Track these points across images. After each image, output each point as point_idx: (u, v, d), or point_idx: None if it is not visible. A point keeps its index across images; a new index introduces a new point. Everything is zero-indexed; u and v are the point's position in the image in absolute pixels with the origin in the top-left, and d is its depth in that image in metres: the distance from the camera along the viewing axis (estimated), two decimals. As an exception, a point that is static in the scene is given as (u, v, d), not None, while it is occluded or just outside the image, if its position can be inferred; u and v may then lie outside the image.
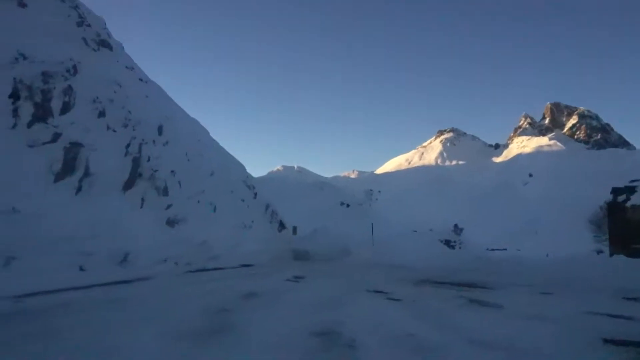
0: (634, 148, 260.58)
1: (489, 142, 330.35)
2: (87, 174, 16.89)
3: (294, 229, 30.02)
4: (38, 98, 17.70)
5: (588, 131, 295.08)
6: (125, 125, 21.15)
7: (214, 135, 33.84)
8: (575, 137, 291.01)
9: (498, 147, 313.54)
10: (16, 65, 18.19)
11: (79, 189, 16.27)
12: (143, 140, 21.36)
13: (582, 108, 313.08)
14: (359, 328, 5.84)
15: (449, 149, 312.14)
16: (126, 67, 28.59)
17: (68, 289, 9.10)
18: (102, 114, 20.26)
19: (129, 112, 22.00)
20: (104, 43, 27.99)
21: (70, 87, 19.36)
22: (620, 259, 16.80)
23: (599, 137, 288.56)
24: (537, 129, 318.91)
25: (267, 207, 29.80)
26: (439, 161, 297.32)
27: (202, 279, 12.03)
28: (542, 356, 4.62)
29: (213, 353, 4.66)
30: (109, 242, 13.78)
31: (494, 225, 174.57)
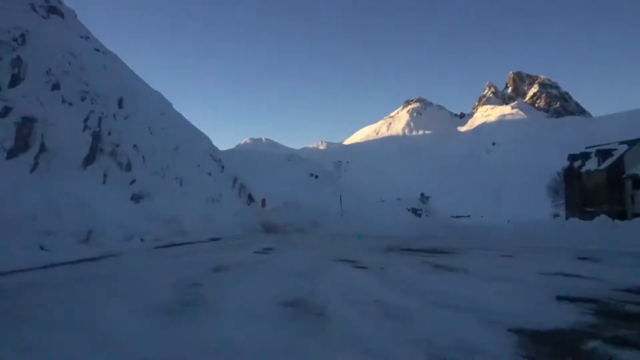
0: (590, 116, 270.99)
1: (455, 112, 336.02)
2: (43, 149, 16.15)
3: (263, 202, 29.97)
4: (-15, 70, 16.64)
5: (548, 100, 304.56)
6: (83, 99, 20.22)
7: (178, 108, 32.93)
8: (537, 105, 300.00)
9: (463, 117, 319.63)
10: (-42, 34, 16.99)
11: (35, 166, 15.59)
12: (102, 113, 20.52)
13: (542, 77, 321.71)
14: (329, 297, 5.95)
15: (416, 119, 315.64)
16: (80, 36, 27.09)
17: (31, 269, 8.83)
18: (56, 87, 19.25)
19: (86, 84, 21.00)
20: (54, 10, 26.33)
21: (19, 58, 18.24)
22: (575, 221, 17.68)
23: (558, 105, 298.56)
24: (501, 98, 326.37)
25: (235, 180, 29.51)
26: (406, 131, 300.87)
27: (171, 254, 11.91)
28: (502, 314, 4.85)
29: (185, 326, 4.65)
30: (70, 220, 13.35)
31: (460, 193, 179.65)
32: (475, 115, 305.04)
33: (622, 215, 42.98)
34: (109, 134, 19.87)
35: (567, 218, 43.67)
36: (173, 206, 19.50)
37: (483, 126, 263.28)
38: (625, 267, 8.21)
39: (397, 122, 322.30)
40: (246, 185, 30.66)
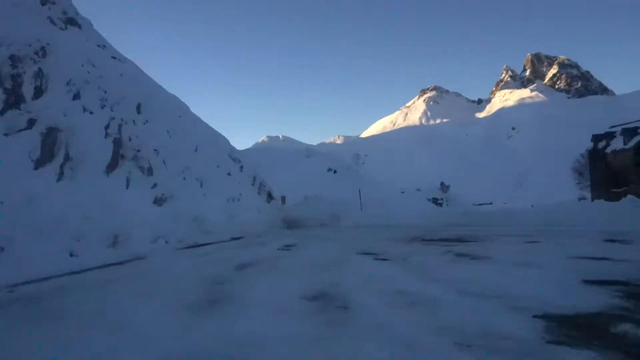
0: (614, 94, 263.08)
1: (472, 98, 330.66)
2: (67, 158, 16.58)
3: (283, 199, 30.17)
4: (8, 84, 17.13)
5: (568, 80, 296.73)
6: (103, 106, 20.65)
7: (195, 110, 33.29)
8: (556, 87, 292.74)
9: (481, 102, 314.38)
10: (-19, 51, 17.53)
11: (61, 174, 16.02)
12: (122, 120, 20.92)
13: (562, 57, 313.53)
14: (353, 289, 5.99)
15: (432, 107, 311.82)
16: (97, 45, 27.63)
17: (62, 275, 9.12)
18: (77, 96, 19.71)
19: (105, 92, 21.42)
20: (72, 21, 26.91)
21: (40, 70, 18.72)
22: (601, 203, 17.29)
23: (579, 85, 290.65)
24: (519, 81, 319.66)
25: (255, 178, 29.75)
26: (423, 120, 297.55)
27: (195, 254, 12.12)
28: (528, 300, 4.82)
29: (212, 321, 4.78)
30: (97, 225, 13.71)
31: (481, 180, 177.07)
32: (493, 100, 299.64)
33: (651, 195, 41.79)
34: (130, 139, 20.26)
35: (592, 200, 42.67)
36: (195, 207, 19.79)
37: (502, 111, 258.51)
38: (654, 247, 8.03)
39: (414, 111, 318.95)
40: (265, 183, 30.88)
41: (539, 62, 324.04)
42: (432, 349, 3.61)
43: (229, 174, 27.17)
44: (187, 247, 14.02)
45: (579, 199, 41.00)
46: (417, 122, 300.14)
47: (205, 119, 34.06)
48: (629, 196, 15.97)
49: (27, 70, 18.23)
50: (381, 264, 8.28)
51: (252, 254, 11.16)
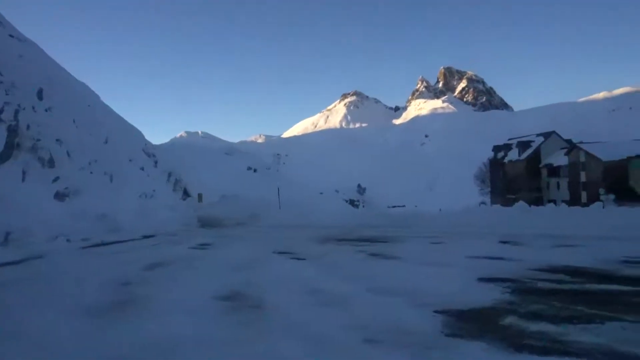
0: (512, 110, 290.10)
1: (390, 105, 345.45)
2: (-50, 145, 14.75)
3: (200, 196, 29.29)
4: None
5: (475, 94, 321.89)
6: (-4, 89, 18.62)
7: (107, 100, 31.15)
8: (465, 99, 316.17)
9: (398, 110, 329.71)
10: None
11: (-58, 163, 14.20)
12: (19, 105, 18.98)
13: (470, 72, 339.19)
14: (268, 289, 6.01)
15: (352, 112, 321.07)
16: (-8, 21, 24.84)
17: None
18: (-36, 76, 17.58)
19: (0, 74, 19.33)
20: (-39, -9, 23.92)
21: None
22: (498, 208, 18.99)
23: (484, 99, 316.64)
24: (433, 92, 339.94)
25: (170, 174, 28.55)
26: (343, 124, 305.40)
27: (101, 253, 11.37)
28: (430, 297, 5.17)
29: (120, 326, 4.53)
30: (-15, 221, 12.32)
31: (396, 183, 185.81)
32: (409, 108, 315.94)
33: (539, 201, 46.70)
34: (28, 127, 18.46)
35: (492, 205, 46.57)
36: (103, 203, 18.53)
37: (417, 119, 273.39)
38: (539, 248, 8.98)
39: (335, 115, 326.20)
40: (181, 180, 29.78)
41: (450, 76, 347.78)
42: (343, 345, 3.74)
43: (142, 168, 25.83)
44: (92, 246, 13.08)
45: (480, 204, 44.66)
46: (337, 125, 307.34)
47: (117, 110, 32.03)
48: (520, 202, 17.72)
49: None
50: (297, 263, 8.38)
51: (164, 253, 10.72)
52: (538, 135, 61.36)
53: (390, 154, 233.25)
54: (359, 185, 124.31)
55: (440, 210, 24.30)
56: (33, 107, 19.98)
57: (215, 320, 4.58)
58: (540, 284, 5.75)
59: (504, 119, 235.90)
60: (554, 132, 59.49)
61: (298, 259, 8.85)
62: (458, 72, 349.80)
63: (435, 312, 4.57)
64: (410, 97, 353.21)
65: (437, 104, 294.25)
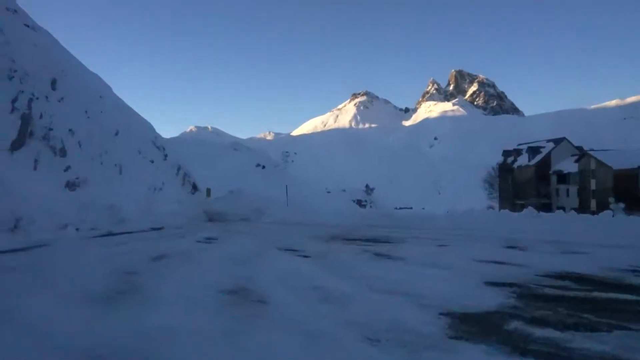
0: (523, 115, 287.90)
1: (400, 106, 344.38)
2: (-36, 131, 14.94)
3: (208, 191, 29.42)
4: None
5: (486, 98, 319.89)
6: (10, 77, 18.76)
7: (119, 92, 31.36)
8: (475, 103, 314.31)
9: (408, 111, 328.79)
10: None
11: (-45, 149, 14.39)
12: (33, 95, 19.16)
13: (481, 76, 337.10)
14: (270, 284, 6.01)
15: (362, 112, 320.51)
16: (7, 9, 25.07)
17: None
18: (-21, 63, 17.78)
19: (13, 61, 19.50)
20: (-22, -21, 24.20)
21: None
22: (506, 213, 18.85)
23: (494, 104, 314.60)
24: (443, 95, 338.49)
25: (179, 168, 28.68)
26: (352, 124, 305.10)
27: (108, 243, 11.45)
28: (435, 298, 5.13)
29: (120, 314, 4.54)
30: (-4, 207, 12.47)
31: (403, 185, 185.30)
32: (419, 110, 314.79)
33: (547, 208, 46.33)
34: (41, 116, 18.63)
35: (500, 209, 46.26)
36: (112, 194, 18.68)
37: (426, 121, 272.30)
38: (546, 254, 8.90)
39: (345, 114, 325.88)
40: (190, 174, 29.91)
41: (461, 79, 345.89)
42: (343, 342, 3.73)
43: (151, 161, 25.98)
44: (100, 236, 13.19)
45: (487, 208, 44.40)
46: (347, 124, 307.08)
47: (129, 102, 32.23)
48: (529, 207, 17.59)
49: None
50: (301, 260, 8.38)
51: (170, 245, 10.77)
52: (548, 141, 60.86)
53: (399, 155, 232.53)
54: (366, 186, 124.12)
55: (447, 212, 24.18)
56: (46, 97, 20.17)
57: (215, 313, 4.59)
58: (546, 290, 5.69)
59: (514, 124, 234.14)
60: (564, 138, 58.95)
61: (303, 256, 8.84)
62: (469, 75, 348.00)
63: (440, 314, 4.54)
64: (420, 99, 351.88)
65: (447, 106, 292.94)
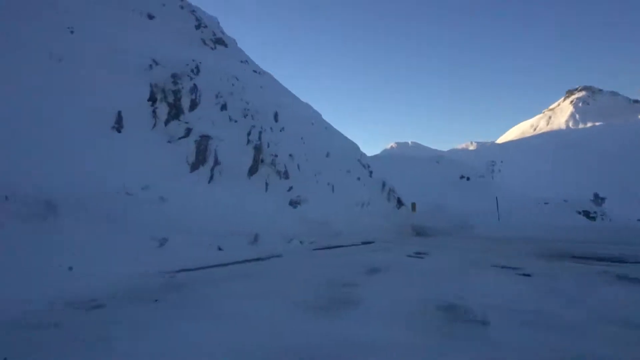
0: None
1: (634, 97, 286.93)
2: (216, 163, 18.58)
3: (413, 206, 29.61)
4: (171, 99, 19.83)
5: None
6: (245, 116, 22.69)
7: (326, 117, 34.59)
8: None
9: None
10: (150, 71, 20.56)
11: (211, 177, 17.99)
12: (262, 128, 22.71)
13: None
14: (486, 304, 5.62)
15: (581, 109, 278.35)
16: (240, 61, 30.50)
17: (212, 267, 10.19)
18: (224, 107, 21.99)
19: (247, 103, 23.51)
20: (220, 41, 30.19)
21: (195, 86, 21.30)
22: None
23: None
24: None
25: (384, 184, 29.76)
26: (570, 124, 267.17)
27: (327, 255, 12.53)
28: None
29: (332, 321, 4.87)
30: (240, 224, 15.08)
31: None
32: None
33: None
34: (268, 145, 21.89)
35: None
36: (326, 210, 20.54)
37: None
38: None
39: (559, 114, 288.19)
40: (395, 190, 30.71)
41: None
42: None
43: (358, 178, 27.64)
44: (320, 249, 14.57)
45: None
46: (562, 125, 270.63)
47: (336, 125, 35.21)
48: None
49: (184, 86, 20.85)
50: (520, 279, 7.61)
51: (383, 259, 11.15)
52: None
53: (635, 156, 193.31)
54: (595, 195, 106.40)
55: None
56: (271, 128, 23.63)
57: (427, 330, 4.49)
58: None
59: None
60: None
61: (523, 274, 8.03)
62: None
63: None
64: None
65: None
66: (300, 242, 15.47)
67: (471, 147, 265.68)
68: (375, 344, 4.05)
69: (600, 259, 9.94)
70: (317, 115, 33.03)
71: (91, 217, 11.66)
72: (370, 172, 29.88)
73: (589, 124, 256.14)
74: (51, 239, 9.90)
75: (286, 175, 21.51)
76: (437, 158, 74.26)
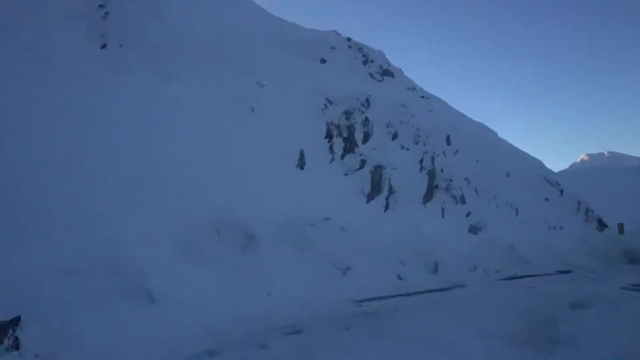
0: None
1: None
2: (391, 191, 18.87)
3: (620, 227, 25.12)
4: (345, 133, 21.06)
5: None
6: (417, 142, 22.65)
7: (503, 135, 32.23)
8: None
9: None
10: (326, 110, 22.27)
11: (387, 206, 18.31)
12: (434, 153, 22.32)
13: None
14: None
15: None
16: (407, 88, 30.78)
17: (394, 296, 10.25)
18: (395, 136, 22.36)
19: (417, 129, 23.46)
20: (386, 72, 31.08)
21: (367, 119, 22.22)
22: None
23: None
24: None
25: (579, 204, 26.03)
26: None
27: (517, 286, 11.46)
28: None
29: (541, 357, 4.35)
30: (418, 252, 14.90)
31: None
32: None
33: None
34: (442, 170, 21.33)
35: None
36: (509, 235, 18.87)
37: None
38: None
39: None
40: (593, 209, 26.59)
41: None
42: None
43: (547, 199, 24.81)
44: (507, 279, 13.42)
45: None
46: None
47: (514, 142, 32.45)
48: None
49: (357, 120, 21.93)
50: None
51: (587, 291, 9.67)
52: None
53: None
54: None
55: None
56: (443, 152, 23.03)
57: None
58: None
59: None
60: None
61: None
62: None
63: None
64: None
65: None
66: (485, 270, 14.46)
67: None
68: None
69: None
70: (492, 133, 31.03)
71: (283, 247, 12.91)
72: (561, 191, 26.56)
73: None
74: (252, 267, 11.20)
75: (463, 200, 20.56)
76: (646, 168, 61.91)
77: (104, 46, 18.22)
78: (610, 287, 10.36)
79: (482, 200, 21.26)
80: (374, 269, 13.06)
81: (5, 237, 7.30)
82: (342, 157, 20.14)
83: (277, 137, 18.90)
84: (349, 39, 33.10)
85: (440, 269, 14.07)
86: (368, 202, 18.19)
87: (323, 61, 29.04)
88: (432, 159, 21.84)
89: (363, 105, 23.33)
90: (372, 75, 29.93)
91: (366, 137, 21.51)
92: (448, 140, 24.35)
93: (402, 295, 10.37)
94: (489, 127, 31.99)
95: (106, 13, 20.01)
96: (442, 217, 19.16)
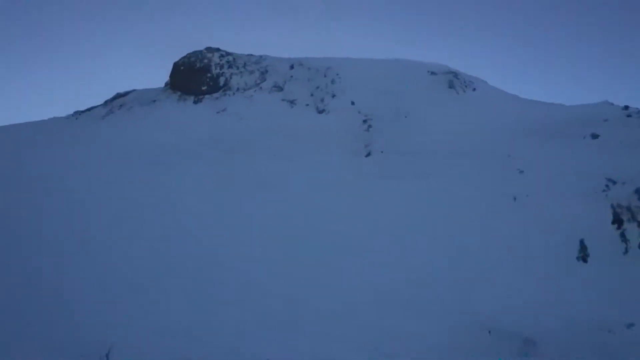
0: None
1: None
2: None
3: None
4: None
5: None
6: None
7: None
8: None
9: None
10: (608, 191, 18.92)
11: None
12: None
13: None
14: None
15: None
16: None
17: None
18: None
19: None
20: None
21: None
22: None
23: None
24: None
25: None
26: None
27: None
28: None
29: None
30: None
31: None
32: None
33: None
34: None
35: None
36: None
37: None
38: None
39: None
40: None
41: None
42: None
43: None
44: None
45: None
46: None
47: None
48: None
49: None
50: None
51: None
52: None
53: None
54: None
55: None
56: None
57: None
58: None
59: None
60: None
61: None
62: None
63: None
64: None
65: None
66: None
67: None
68: None
69: None
70: None
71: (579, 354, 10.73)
72: None
73: None
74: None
75: None
76: None
77: (368, 154, 20.75)
78: None
79: None
80: None
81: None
82: (643, 246, 16.25)
83: (547, 226, 17.02)
84: (626, 107, 28.61)
85: None
86: None
87: (595, 136, 25.56)
88: None
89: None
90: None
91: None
92: None
93: None
94: None
95: (369, 127, 23.07)
96: None
